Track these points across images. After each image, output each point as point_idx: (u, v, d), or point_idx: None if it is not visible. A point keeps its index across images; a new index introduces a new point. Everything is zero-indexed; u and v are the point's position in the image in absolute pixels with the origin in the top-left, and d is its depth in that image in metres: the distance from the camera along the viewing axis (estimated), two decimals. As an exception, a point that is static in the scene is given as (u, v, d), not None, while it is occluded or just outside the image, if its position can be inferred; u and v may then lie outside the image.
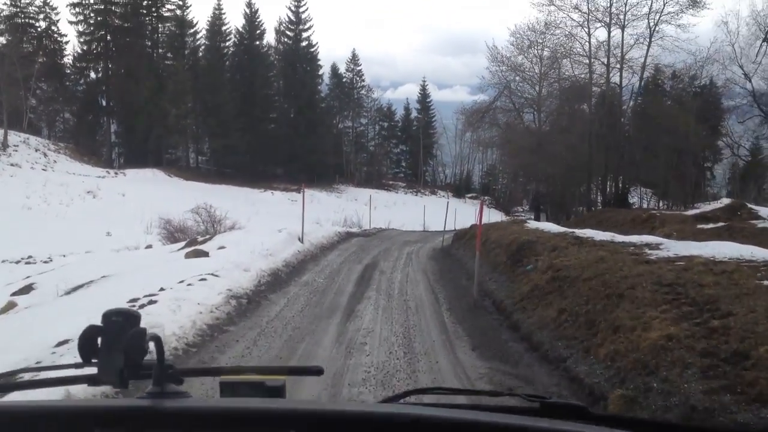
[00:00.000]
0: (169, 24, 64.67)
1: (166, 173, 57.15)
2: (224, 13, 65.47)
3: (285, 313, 10.21)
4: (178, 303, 8.95)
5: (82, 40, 64.00)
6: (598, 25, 35.06)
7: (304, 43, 68.26)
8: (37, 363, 6.01)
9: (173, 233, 27.37)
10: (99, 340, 1.35)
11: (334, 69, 74.17)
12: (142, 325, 1.39)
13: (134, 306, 8.74)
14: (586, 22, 34.62)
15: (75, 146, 60.72)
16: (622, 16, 34.67)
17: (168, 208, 31.50)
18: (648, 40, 34.95)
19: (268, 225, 27.93)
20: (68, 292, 12.67)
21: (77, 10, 62.62)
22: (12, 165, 48.35)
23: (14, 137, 52.45)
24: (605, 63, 34.15)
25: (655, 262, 8.97)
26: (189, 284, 10.66)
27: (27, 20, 64.81)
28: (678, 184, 41.73)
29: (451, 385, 6.57)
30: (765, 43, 34.43)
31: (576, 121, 36.44)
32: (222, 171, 62.43)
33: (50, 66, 64.04)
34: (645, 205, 39.45)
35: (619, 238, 11.95)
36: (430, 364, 7.50)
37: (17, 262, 26.04)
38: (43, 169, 50.05)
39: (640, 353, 5.74)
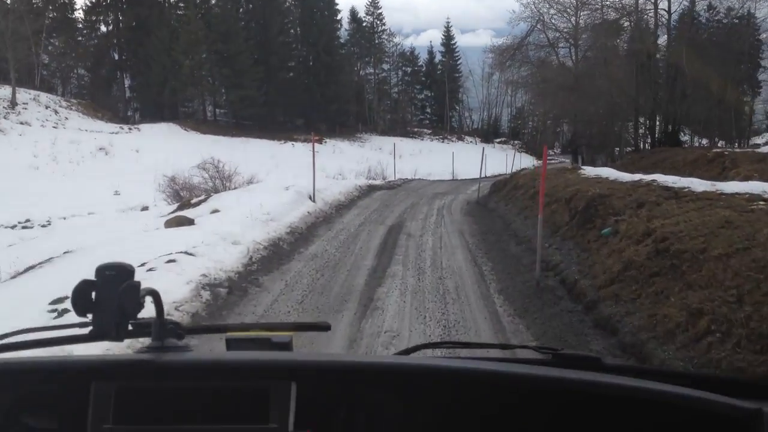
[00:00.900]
0: (179, -29, 61.06)
1: (182, 127, 54.41)
2: (236, -42, 61.52)
3: (278, 308, 7.30)
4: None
5: (90, -8, 60.73)
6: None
7: (321, -14, 64.33)
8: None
9: (179, 191, 24.62)
10: (93, 294, 1.31)
11: (353, 13, 70.28)
12: None
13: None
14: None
15: (89, 102, 58.07)
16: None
17: (183, 163, 28.86)
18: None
19: (287, 178, 27.53)
20: (13, 276, 9.88)
21: (84, -40, 59.27)
22: (21, 123, 45.95)
23: (24, 95, 49.80)
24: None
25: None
26: (151, 269, 7.81)
27: (34, -27, 61.59)
28: (725, 119, 37.98)
29: None
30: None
31: (619, 53, 32.74)
32: (240, 123, 59.46)
33: (61, 21, 61.06)
34: (696, 144, 35.83)
35: (725, 185, 8.78)
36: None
37: (13, 227, 23.64)
38: (54, 127, 47.63)
39: None
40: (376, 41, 71.11)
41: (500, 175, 45.41)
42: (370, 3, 70.87)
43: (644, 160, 24.69)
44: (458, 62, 76.49)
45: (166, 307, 1.46)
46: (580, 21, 34.53)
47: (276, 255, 10.05)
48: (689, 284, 5.55)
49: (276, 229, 11.40)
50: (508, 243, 11.12)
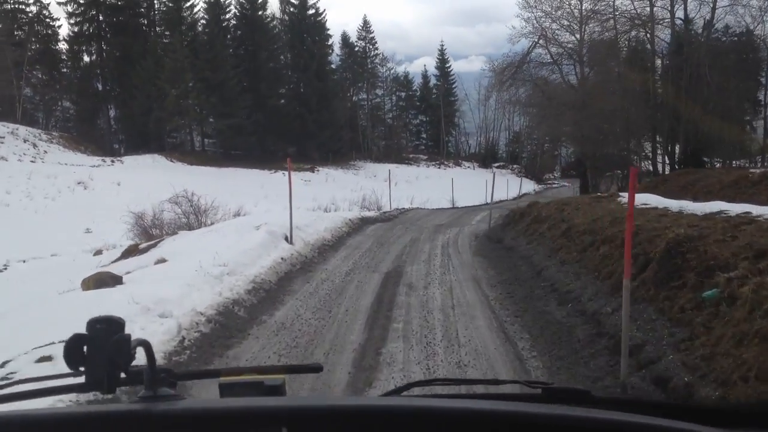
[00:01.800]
0: (164, -2, 58.66)
1: (167, 158, 51.85)
2: (223, -17, 59.09)
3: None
4: None
5: (72, 21, 58.16)
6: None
7: (311, 11, 61.57)
8: None
9: (148, 229, 21.69)
10: (85, 348, 1.31)
11: (345, 38, 67.72)
12: None
13: None
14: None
15: (71, 135, 55.49)
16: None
17: (165, 196, 27.37)
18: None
19: (275, 209, 25.51)
20: None
21: (65, -12, 56.82)
22: (-4, 159, 43.17)
23: (1, 129, 47.13)
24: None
25: None
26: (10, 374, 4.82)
27: (17, 5, 59.12)
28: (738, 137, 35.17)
29: None
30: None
31: (632, 67, 30.02)
32: (229, 153, 56.70)
33: (43, 52, 58.76)
34: (715, 164, 32.99)
35: None
36: None
37: (-34, 270, 20.94)
38: (32, 161, 45.02)
39: None
40: (369, 66, 68.48)
41: (502, 201, 42.97)
42: (362, 27, 68.45)
43: (668, 183, 21.79)
44: (453, 86, 73.94)
45: None
46: (586, 36, 31.82)
47: (224, 330, 7.05)
48: None
49: (233, 287, 8.41)
50: (547, 301, 8.10)
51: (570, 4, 31.53)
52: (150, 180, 40.75)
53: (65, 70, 61.67)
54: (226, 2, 59.14)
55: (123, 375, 1.32)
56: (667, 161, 28.88)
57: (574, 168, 63.89)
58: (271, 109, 58.00)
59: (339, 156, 59.97)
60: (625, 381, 5.02)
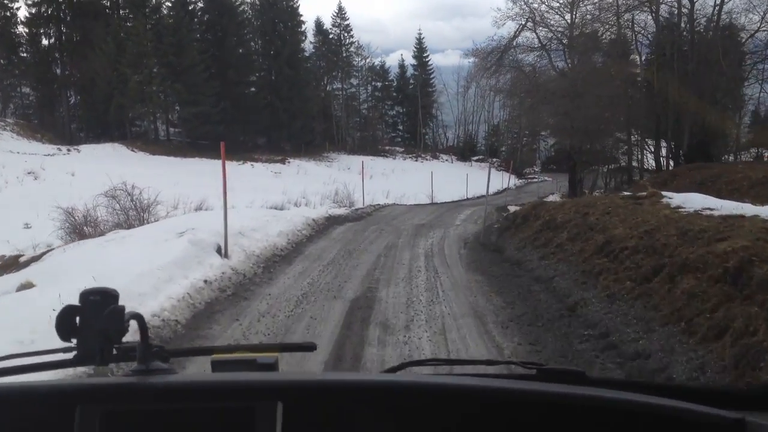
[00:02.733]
0: (128, -21, 54.77)
1: (129, 148, 48.16)
2: (190, -35, 55.36)
3: None
4: None
5: (30, 2, 54.17)
6: None
7: (282, -5, 58.25)
8: None
9: (80, 227, 18.39)
10: (77, 319, 1.29)
11: (319, 25, 64.16)
12: None
13: None
14: None
15: (28, 123, 51.91)
16: None
17: (147, 185, 25.10)
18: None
19: (243, 202, 23.86)
20: None
21: (21, -33, 52.91)
22: (-60, 148, 39.54)
23: (-53, 116, 43.49)
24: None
25: None
26: None
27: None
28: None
29: None
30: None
31: (631, 48, 27.18)
32: (196, 143, 53.15)
33: (0, 35, 54.49)
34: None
35: None
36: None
37: None
38: (-20, 150, 41.29)
39: None
40: (344, 54, 64.98)
41: (482, 196, 39.88)
42: (337, 14, 64.93)
43: (680, 179, 18.86)
44: (431, 76, 70.61)
45: None
46: (577, 18, 28.83)
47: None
48: None
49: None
50: (604, 369, 5.00)
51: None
52: (107, 170, 37.44)
53: (24, 54, 57.68)
54: (194, -16, 55.57)
55: (115, 348, 1.31)
56: (662, 155, 25.86)
57: (554, 162, 61.30)
58: (240, 97, 54.66)
59: (312, 147, 56.88)
60: None
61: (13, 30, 57.10)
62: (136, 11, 53.10)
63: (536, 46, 30.79)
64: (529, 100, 31.19)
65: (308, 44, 63.02)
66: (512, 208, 22.86)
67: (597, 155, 32.03)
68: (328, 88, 66.25)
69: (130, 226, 16.54)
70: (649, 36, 26.24)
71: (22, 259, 10.53)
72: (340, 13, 64.76)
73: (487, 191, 14.04)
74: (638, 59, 28.60)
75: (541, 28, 29.92)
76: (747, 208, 7.44)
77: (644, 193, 9.78)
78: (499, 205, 25.25)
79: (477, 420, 1.30)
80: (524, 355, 5.64)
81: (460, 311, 7.20)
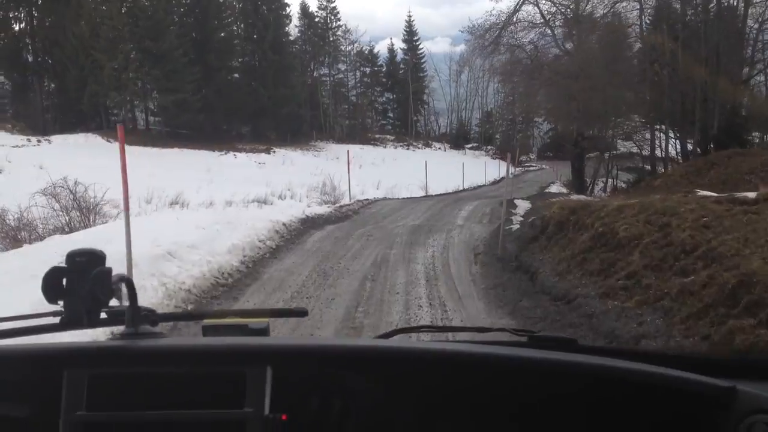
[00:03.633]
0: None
1: (104, 138, 44.73)
2: (168, -56, 51.69)
3: None
4: None
5: (-3, -17, 50.71)
6: None
7: (266, -24, 54.78)
8: None
9: (12, 233, 15.28)
10: (64, 281, 1.26)
11: (304, 8, 60.82)
12: None
13: None
14: None
15: (-4, 112, 48.64)
16: None
17: (91, 180, 22.40)
18: None
19: (223, 196, 22.79)
20: None
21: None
22: None
23: None
24: None
25: None
26: None
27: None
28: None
29: None
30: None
31: (655, 25, 24.00)
32: (176, 132, 49.91)
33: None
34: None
35: None
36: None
37: None
38: (-59, 143, 38.09)
39: None
40: (331, 39, 61.78)
41: (480, 186, 37.15)
42: (323, -5, 61.56)
43: (718, 170, 15.83)
44: (422, 60, 67.38)
45: None
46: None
47: None
48: None
49: None
50: None
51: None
52: (79, 162, 34.28)
53: (-2, 41, 54.22)
54: (172, -35, 52.03)
55: (104, 311, 1.28)
56: (676, 142, 22.69)
57: (551, 149, 58.38)
58: (222, 83, 51.14)
59: (298, 136, 53.88)
60: None
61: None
62: (110, -7, 49.65)
63: (539, 22, 27.66)
64: (532, 82, 28.03)
65: (293, 28, 60.13)
66: (521, 204, 19.88)
67: (602, 141, 29.24)
68: (314, 74, 63.20)
69: (72, 230, 13.74)
70: (673, 6, 23.03)
71: None
72: (327, -6, 61.43)
73: (509, 187, 10.73)
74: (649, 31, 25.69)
75: (544, 1, 26.80)
76: None
77: (753, 195, 6.79)
78: (509, 200, 22.26)
79: (467, 385, 1.28)
80: None
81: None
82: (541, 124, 68.04)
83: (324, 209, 15.88)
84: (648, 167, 48.62)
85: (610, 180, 36.71)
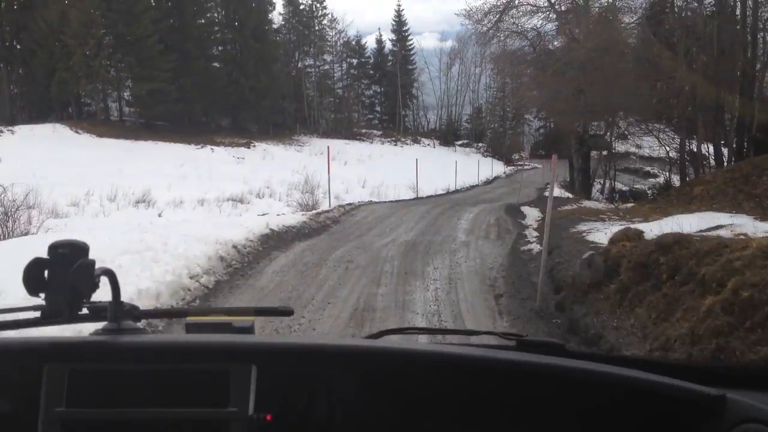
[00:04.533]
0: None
1: (73, 129, 41.89)
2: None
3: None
4: None
5: (-36, -37, 47.47)
6: None
7: (246, -41, 51.64)
8: None
9: None
10: (46, 273, 1.23)
11: (289, -7, 57.64)
12: None
13: None
14: None
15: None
16: None
17: (59, 176, 22.33)
18: None
19: (196, 194, 21.69)
20: None
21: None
22: None
23: None
24: None
25: None
26: None
27: None
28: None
29: None
30: None
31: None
32: (151, 124, 47.16)
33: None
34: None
35: None
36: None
37: None
38: None
39: None
40: (316, 28, 58.50)
41: (473, 186, 34.14)
42: (309, -19, 58.28)
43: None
44: (412, 52, 64.06)
45: None
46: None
47: None
48: None
49: None
50: None
51: None
52: (43, 155, 31.46)
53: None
54: (147, -54, 48.79)
55: (85, 306, 1.26)
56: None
57: (543, 147, 55.57)
58: (200, 73, 48.06)
59: (281, 130, 51.09)
60: None
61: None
62: (82, -25, 46.45)
63: (543, 4, 24.56)
64: (536, 71, 25.03)
65: (277, 15, 57.18)
66: (529, 212, 16.89)
67: (601, 139, 26.38)
68: (299, 64, 60.18)
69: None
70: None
71: None
72: (313, -20, 58.15)
73: (550, 204, 7.54)
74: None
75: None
76: None
77: None
78: (508, 205, 19.25)
79: (454, 387, 1.27)
80: None
81: None
82: (532, 120, 65.45)
83: (296, 219, 12.74)
84: (648, 169, 46.52)
85: (608, 182, 34.23)
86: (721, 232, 6.87)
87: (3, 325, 1.38)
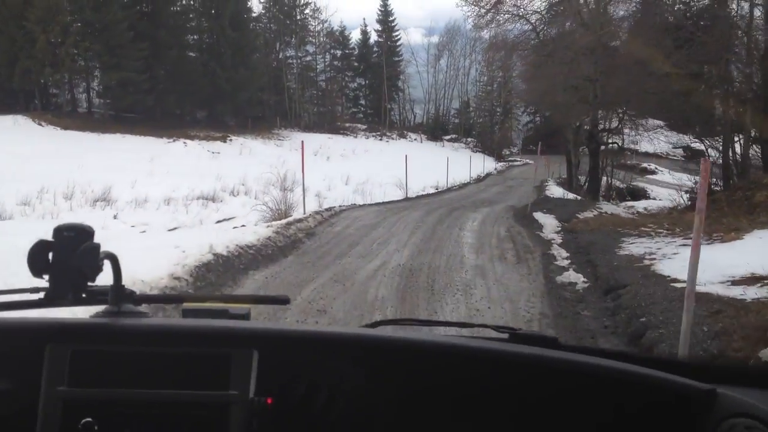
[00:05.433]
0: None
1: (36, 121, 39.26)
2: None
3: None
4: None
5: None
6: None
7: (223, -56, 48.89)
8: None
9: None
10: (50, 256, 1.23)
11: (269, -19, 54.85)
12: None
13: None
14: None
15: None
16: None
17: (14, 171, 21.23)
18: None
19: (163, 192, 20.50)
20: None
21: None
22: None
23: None
24: None
25: None
26: None
27: None
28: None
29: None
30: None
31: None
32: (121, 116, 44.24)
33: None
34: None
35: None
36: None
37: None
38: None
39: None
40: (298, 17, 55.72)
41: (466, 184, 31.28)
42: (290, -31, 55.41)
43: None
44: (398, 43, 61.27)
45: None
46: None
47: None
48: None
49: None
50: None
51: None
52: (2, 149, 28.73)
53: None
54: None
55: (89, 286, 1.26)
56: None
57: (533, 143, 53.30)
58: (174, 62, 45.29)
59: (261, 123, 48.48)
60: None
61: None
62: (48, -43, 43.46)
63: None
64: (540, 59, 22.22)
65: (256, 3, 54.95)
66: (546, 221, 13.98)
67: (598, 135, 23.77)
68: (280, 55, 57.58)
69: None
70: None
71: None
72: (294, -34, 55.32)
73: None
74: None
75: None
76: None
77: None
78: (515, 210, 16.45)
79: (449, 377, 1.28)
80: None
81: None
82: (520, 115, 63.05)
83: (258, 233, 9.73)
84: (645, 166, 44.09)
85: (604, 178, 31.80)
86: None
87: (6, 305, 1.37)
